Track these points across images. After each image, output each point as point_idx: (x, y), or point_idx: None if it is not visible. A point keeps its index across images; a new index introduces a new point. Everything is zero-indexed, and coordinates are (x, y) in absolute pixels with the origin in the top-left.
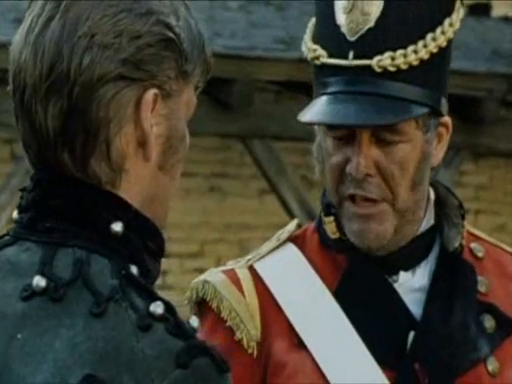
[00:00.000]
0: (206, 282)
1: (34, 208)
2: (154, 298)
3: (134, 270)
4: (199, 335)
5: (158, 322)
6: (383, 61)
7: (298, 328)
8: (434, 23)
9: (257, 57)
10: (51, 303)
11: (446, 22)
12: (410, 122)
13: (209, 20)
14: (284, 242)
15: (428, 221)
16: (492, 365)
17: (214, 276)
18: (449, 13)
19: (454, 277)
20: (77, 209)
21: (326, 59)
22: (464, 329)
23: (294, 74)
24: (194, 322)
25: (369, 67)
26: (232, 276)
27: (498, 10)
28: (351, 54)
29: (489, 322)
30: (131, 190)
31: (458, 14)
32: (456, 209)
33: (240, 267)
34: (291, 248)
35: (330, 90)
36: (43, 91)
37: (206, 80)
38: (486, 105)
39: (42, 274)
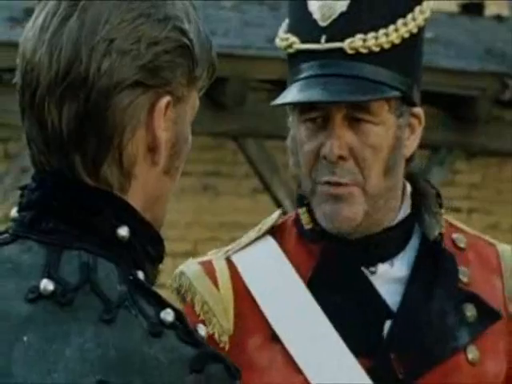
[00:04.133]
0: (182, 273)
1: (37, 207)
2: (164, 304)
3: (140, 275)
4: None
5: (168, 330)
6: (355, 42)
7: (271, 321)
8: (405, 10)
9: (250, 56)
10: (58, 307)
11: (417, 9)
12: (382, 104)
13: (202, 19)
14: (264, 234)
15: (404, 212)
16: (472, 353)
17: (190, 267)
18: (419, 1)
19: (435, 265)
20: (82, 211)
21: (298, 45)
22: (442, 317)
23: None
24: (202, 330)
25: (341, 50)
26: (208, 267)
27: (490, 9)
28: (323, 38)
29: (470, 311)
30: (138, 194)
31: (428, 2)
32: (433, 198)
33: (218, 258)
34: (269, 240)
35: (303, 75)
36: (58, 93)
37: (210, 81)
38: (479, 104)
39: (49, 277)
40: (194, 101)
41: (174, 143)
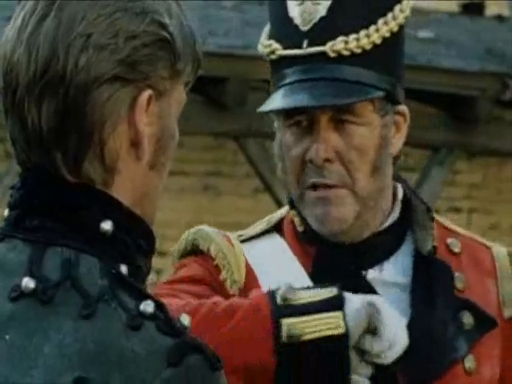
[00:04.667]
0: (198, 230)
1: (22, 206)
2: (144, 296)
3: (123, 269)
4: (184, 271)
5: (148, 321)
6: (336, 45)
7: None
8: (385, 9)
9: (250, 56)
10: (39, 305)
11: (397, 7)
12: (366, 104)
13: (203, 19)
14: (272, 228)
15: (394, 216)
16: (469, 362)
17: (208, 228)
18: (399, 0)
19: (431, 277)
20: (65, 208)
21: (281, 51)
22: (443, 328)
23: None
24: (185, 319)
25: (323, 54)
26: (226, 236)
27: (491, 9)
28: (305, 43)
29: (467, 319)
30: (123, 190)
31: (408, 1)
32: (423, 213)
33: (232, 236)
34: (275, 236)
35: (287, 80)
36: (37, 91)
37: (196, 77)
38: (480, 104)
39: (31, 275)
40: (179, 95)
41: (158, 138)
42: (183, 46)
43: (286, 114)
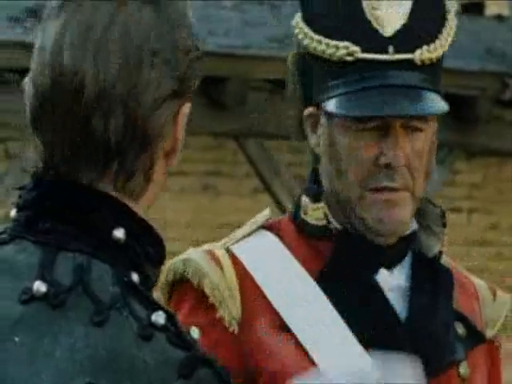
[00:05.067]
0: (186, 259)
1: (34, 207)
2: (156, 307)
3: (135, 277)
4: (179, 317)
5: (159, 332)
6: (423, 54)
7: (278, 308)
8: (444, 19)
9: (251, 55)
10: (50, 309)
11: (449, 17)
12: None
13: (203, 19)
14: (258, 229)
15: (413, 222)
16: (463, 369)
17: (194, 253)
18: (448, 9)
19: (435, 279)
20: (78, 212)
21: (363, 55)
22: (446, 329)
23: None
24: (195, 332)
25: (407, 61)
26: (211, 254)
27: (491, 9)
28: (391, 49)
29: (461, 329)
30: (149, 196)
31: (453, 11)
32: (438, 218)
33: (217, 248)
34: (267, 234)
35: (365, 84)
36: (106, 104)
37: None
38: (479, 103)
39: (43, 279)
40: (188, 106)
41: (173, 148)
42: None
43: (359, 118)
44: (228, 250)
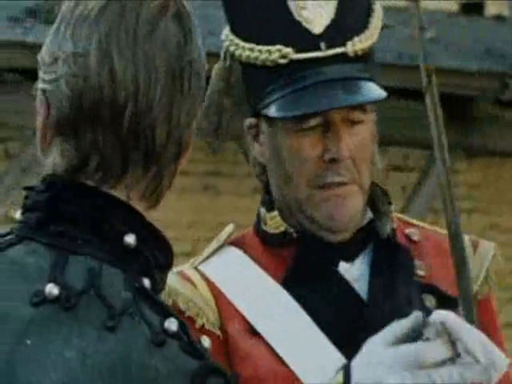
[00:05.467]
0: None
1: (46, 209)
2: (168, 313)
3: (146, 283)
4: None
5: (172, 339)
6: (355, 45)
7: (248, 316)
8: (370, 9)
9: None
10: (62, 312)
11: (375, 7)
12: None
13: (202, 19)
14: (223, 245)
15: (367, 212)
16: None
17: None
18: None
19: (392, 260)
20: (90, 217)
21: (296, 55)
22: (408, 304)
23: None
24: (205, 341)
25: (341, 55)
26: (182, 274)
27: (490, 9)
28: (323, 45)
29: (430, 301)
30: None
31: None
32: (382, 197)
33: (187, 268)
34: (232, 250)
35: (304, 83)
36: (155, 115)
37: None
38: (479, 104)
39: (55, 282)
40: None
41: None
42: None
43: (299, 118)
44: (197, 269)
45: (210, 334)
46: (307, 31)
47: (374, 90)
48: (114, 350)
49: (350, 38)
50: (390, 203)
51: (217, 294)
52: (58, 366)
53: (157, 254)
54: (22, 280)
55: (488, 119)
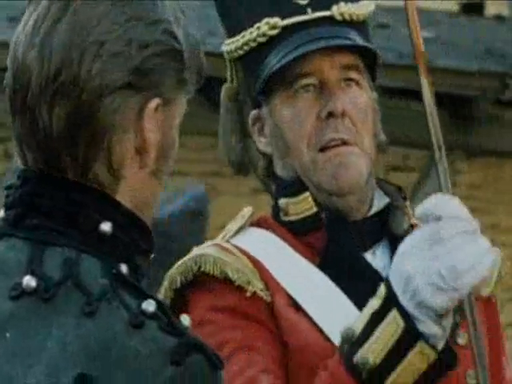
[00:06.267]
0: (200, 256)
1: (21, 205)
2: (146, 296)
3: (123, 268)
4: (205, 305)
5: (150, 320)
6: (341, 8)
7: (292, 293)
8: None
9: None
10: (41, 303)
11: None
12: (364, 70)
13: (202, 19)
14: (244, 226)
15: (378, 202)
16: (461, 339)
17: (206, 249)
18: None
19: None
20: (65, 208)
21: (282, 22)
22: None
23: None
24: (186, 320)
25: (328, 18)
26: (220, 246)
27: (490, 9)
28: (309, 11)
29: None
30: (126, 196)
31: None
32: (396, 193)
33: (221, 242)
34: (258, 230)
35: (295, 44)
36: (50, 94)
37: (199, 86)
38: (479, 104)
39: (32, 274)
40: (182, 105)
41: (162, 146)
42: (189, 56)
43: (292, 80)
44: (231, 244)
45: (261, 301)
46: (295, 3)
47: (363, 41)
48: (93, 335)
49: (336, 3)
50: (404, 198)
51: (259, 268)
52: (39, 358)
53: (137, 240)
54: (3, 276)
55: (488, 119)
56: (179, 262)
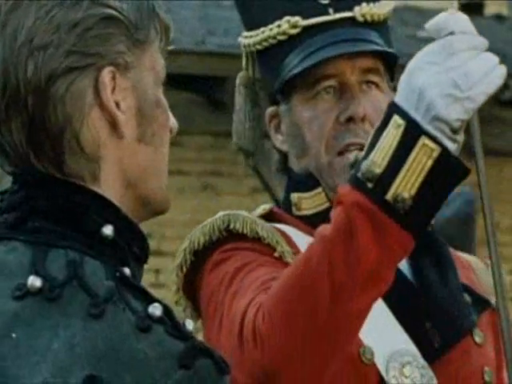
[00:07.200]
0: (227, 214)
1: (22, 208)
2: (151, 299)
3: (127, 271)
4: (235, 259)
5: (156, 324)
6: (363, 9)
7: None
8: None
9: None
10: (46, 303)
11: None
12: (384, 74)
13: (202, 19)
14: (261, 218)
15: None
16: (478, 337)
17: (235, 212)
18: None
19: (434, 250)
20: (66, 211)
21: (304, 22)
22: (460, 294)
23: None
24: (190, 324)
25: (349, 19)
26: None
27: (490, 9)
28: (331, 11)
29: (467, 298)
30: (112, 176)
31: None
32: None
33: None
34: (275, 224)
35: (316, 46)
36: (3, 111)
37: (171, 39)
38: None
39: (37, 274)
40: (152, 63)
41: (138, 109)
42: (140, 15)
43: (313, 82)
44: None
45: (288, 265)
46: (315, 2)
47: (384, 43)
48: (100, 336)
49: (358, 4)
50: None
51: (288, 240)
52: (46, 358)
53: (133, 246)
54: (4, 277)
55: (488, 119)
56: (202, 224)
